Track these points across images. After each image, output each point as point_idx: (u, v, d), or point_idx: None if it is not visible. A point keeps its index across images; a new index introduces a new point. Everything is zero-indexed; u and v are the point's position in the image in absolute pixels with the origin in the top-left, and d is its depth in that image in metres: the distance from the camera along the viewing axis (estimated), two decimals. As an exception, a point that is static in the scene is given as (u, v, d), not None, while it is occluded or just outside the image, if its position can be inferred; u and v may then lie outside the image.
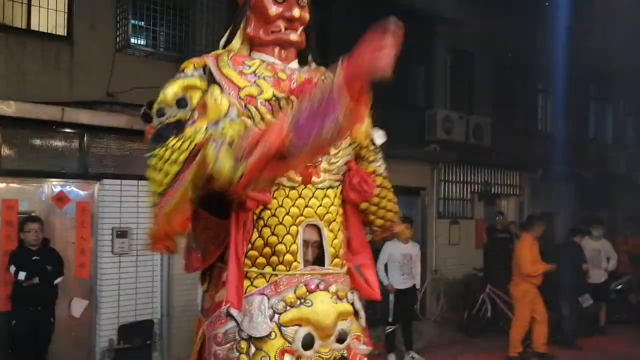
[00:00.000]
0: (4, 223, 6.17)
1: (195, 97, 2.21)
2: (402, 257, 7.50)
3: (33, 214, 6.26)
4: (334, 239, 2.34)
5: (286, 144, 1.85)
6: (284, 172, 2.14)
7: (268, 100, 2.23)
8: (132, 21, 7.55)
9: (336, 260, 2.35)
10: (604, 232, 9.94)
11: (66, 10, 7.25)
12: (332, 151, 2.32)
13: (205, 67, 2.30)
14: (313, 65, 2.53)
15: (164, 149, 2.13)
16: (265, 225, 2.24)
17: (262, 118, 2.19)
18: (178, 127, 2.17)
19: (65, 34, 7.23)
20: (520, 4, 10.95)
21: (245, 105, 2.21)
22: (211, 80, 2.26)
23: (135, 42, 7.65)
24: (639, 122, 16.15)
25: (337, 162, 2.37)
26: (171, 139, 2.14)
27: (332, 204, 2.35)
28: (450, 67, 11.41)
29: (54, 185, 6.69)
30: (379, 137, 2.66)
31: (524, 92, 13.01)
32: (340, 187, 2.42)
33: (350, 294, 2.37)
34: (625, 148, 15.09)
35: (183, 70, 2.33)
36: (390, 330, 7.55)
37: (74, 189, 6.81)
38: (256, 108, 2.21)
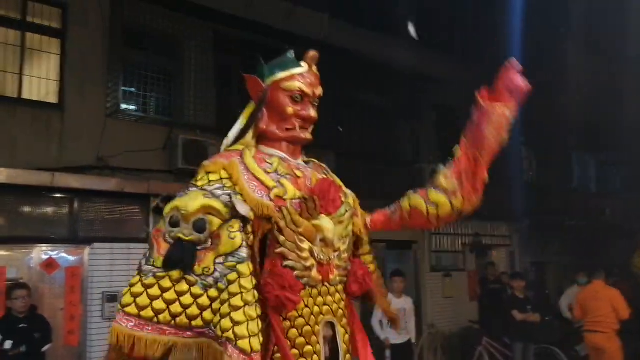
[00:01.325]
0: (-9, 291, 6.08)
1: (214, 225, 2.10)
2: (396, 311, 7.39)
3: (21, 281, 6.18)
4: (345, 334, 2.36)
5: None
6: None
7: (294, 200, 2.27)
8: (123, 87, 7.73)
9: (347, 356, 2.37)
10: (589, 280, 9.93)
11: (58, 79, 7.41)
12: (342, 247, 2.36)
13: (231, 178, 2.25)
14: (310, 159, 2.60)
15: (168, 279, 2.04)
16: (292, 327, 2.21)
17: (292, 219, 2.23)
18: (190, 250, 2.07)
19: (57, 101, 7.36)
20: (499, 60, 11.31)
21: (278, 207, 2.22)
22: (235, 213, 2.13)
23: (126, 107, 7.80)
24: (620, 170, 16.43)
25: (344, 257, 2.39)
26: (177, 273, 2.04)
27: (342, 300, 2.38)
28: (435, 123, 11.66)
29: (43, 252, 6.65)
30: (368, 217, 2.70)
31: (508, 145, 13.21)
32: (344, 283, 2.43)
33: None
34: (608, 195, 15.30)
35: (208, 175, 2.26)
36: (387, 390, 7.37)
37: (64, 254, 6.78)
38: (287, 209, 2.23)
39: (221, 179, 2.24)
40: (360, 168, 10.10)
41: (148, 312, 2.01)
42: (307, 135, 2.48)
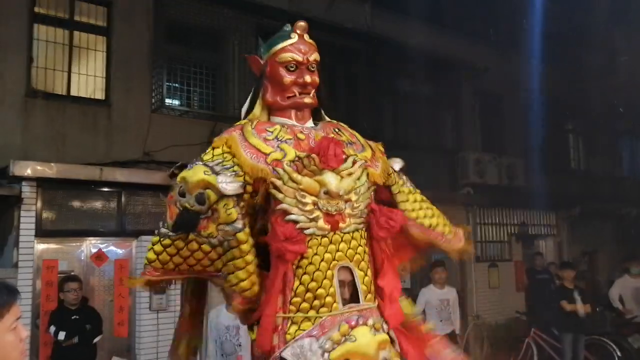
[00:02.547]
0: (44, 283, 6.28)
1: (212, 198, 2.40)
2: (439, 302, 7.30)
3: (72, 274, 6.35)
4: (365, 276, 2.53)
5: None
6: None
7: (292, 161, 2.48)
8: (167, 83, 7.85)
9: (369, 296, 2.53)
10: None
11: (104, 76, 7.58)
12: (354, 197, 2.53)
13: (230, 151, 2.52)
14: (326, 119, 2.81)
15: (181, 240, 2.43)
16: (304, 273, 2.43)
17: (290, 177, 2.45)
18: (195, 218, 2.42)
19: (104, 98, 7.54)
20: (540, 46, 11.05)
21: (274, 169, 2.45)
22: (235, 159, 2.48)
23: (170, 102, 7.92)
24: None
25: (359, 206, 2.55)
26: (181, 236, 2.42)
27: (359, 245, 2.55)
28: (478, 111, 11.46)
29: (93, 245, 6.82)
30: (397, 163, 2.92)
31: (555, 132, 12.93)
32: (364, 229, 2.59)
33: (384, 325, 2.55)
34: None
35: (213, 150, 2.55)
36: (433, 381, 7.30)
37: (112, 247, 6.93)
38: (283, 170, 2.45)
39: (222, 153, 2.52)
40: (403, 157, 9.99)
41: (169, 265, 2.45)
42: (307, 99, 2.67)
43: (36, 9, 7.17)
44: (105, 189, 6.83)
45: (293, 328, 2.41)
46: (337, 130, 2.72)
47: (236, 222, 2.37)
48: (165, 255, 2.44)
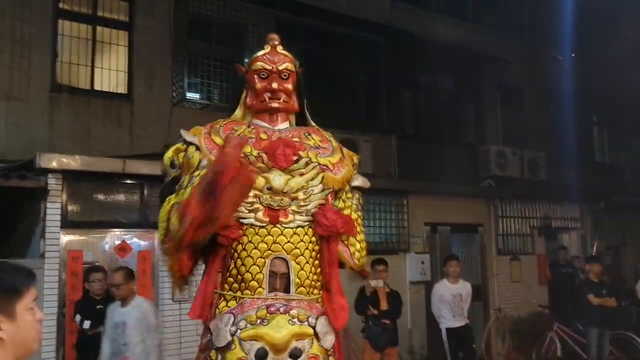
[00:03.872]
0: (69, 273, 6.39)
1: (180, 157, 2.83)
2: (452, 297, 7.27)
3: (97, 264, 6.46)
4: (300, 270, 2.73)
5: (202, 214, 2.50)
6: (213, 229, 2.60)
7: (245, 157, 2.75)
8: (188, 76, 7.94)
9: (301, 288, 2.73)
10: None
11: (126, 70, 7.69)
12: (302, 196, 2.76)
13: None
14: (311, 124, 3.12)
15: (164, 204, 2.79)
16: (238, 257, 2.70)
17: None
18: (175, 183, 2.82)
19: (126, 92, 7.64)
20: (561, 38, 10.91)
21: None
22: (186, 141, 2.88)
23: (191, 95, 8.01)
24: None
25: (306, 205, 2.78)
26: (169, 197, 2.78)
27: (301, 241, 2.75)
28: (500, 103, 11.37)
29: (117, 236, 6.92)
30: (357, 180, 3.11)
31: (579, 124, 12.75)
32: (310, 227, 2.80)
33: (312, 319, 2.70)
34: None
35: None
36: (450, 375, 7.28)
37: (135, 239, 7.02)
38: None
39: (193, 136, 2.89)
40: (424, 151, 9.98)
41: (160, 230, 2.77)
42: (275, 104, 2.96)
43: (60, 5, 7.31)
44: (129, 181, 6.92)
45: (222, 304, 2.70)
46: (307, 134, 2.98)
47: (201, 162, 2.74)
48: (160, 217, 2.78)
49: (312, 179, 2.80)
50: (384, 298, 6.59)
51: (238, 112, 3.07)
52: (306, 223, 2.77)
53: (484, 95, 11.20)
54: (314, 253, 2.79)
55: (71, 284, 6.37)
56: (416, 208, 9.25)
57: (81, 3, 7.47)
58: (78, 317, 5.84)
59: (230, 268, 2.70)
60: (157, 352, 5.28)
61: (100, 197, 6.81)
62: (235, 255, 2.70)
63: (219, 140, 2.81)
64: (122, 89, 7.69)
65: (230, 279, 2.70)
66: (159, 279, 6.95)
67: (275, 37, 3.04)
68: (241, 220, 2.67)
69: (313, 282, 2.77)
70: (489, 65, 11.02)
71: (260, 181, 2.71)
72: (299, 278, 2.71)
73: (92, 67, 7.48)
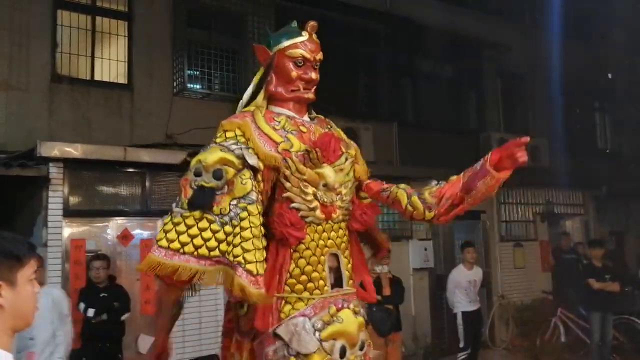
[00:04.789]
0: (72, 262, 6.41)
1: (230, 173, 2.50)
2: (467, 283, 7.45)
3: (99, 252, 6.47)
4: (348, 263, 2.78)
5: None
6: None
7: (299, 152, 2.66)
8: (189, 66, 7.92)
9: (350, 282, 2.78)
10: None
11: (126, 60, 7.68)
12: (344, 190, 2.74)
13: (243, 134, 2.63)
14: (313, 114, 2.97)
15: (192, 218, 2.43)
16: (301, 257, 2.63)
17: (297, 168, 2.63)
18: (210, 195, 2.47)
19: (126, 82, 7.64)
20: (563, 25, 10.86)
21: (284, 158, 2.62)
22: (246, 164, 2.54)
23: (192, 85, 7.99)
24: None
25: (346, 199, 2.78)
26: (201, 212, 2.44)
27: (345, 235, 2.78)
28: (501, 90, 11.33)
29: (119, 224, 6.93)
30: None
31: (581, 111, 12.72)
32: (346, 220, 2.80)
33: (361, 309, 2.79)
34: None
35: (225, 133, 2.65)
36: (463, 357, 7.34)
37: (138, 227, 7.03)
38: (292, 160, 2.63)
39: (236, 136, 2.64)
40: (425, 138, 9.96)
41: (175, 245, 2.41)
42: (309, 95, 2.83)
43: (59, -5, 7.29)
44: (130, 170, 6.92)
45: (287, 307, 2.60)
46: (329, 127, 2.92)
47: (251, 193, 2.48)
48: (174, 234, 2.43)
49: (348, 173, 2.79)
50: (387, 284, 6.64)
51: (260, 99, 2.84)
52: (346, 217, 2.78)
53: (485, 82, 11.17)
54: (349, 245, 2.83)
55: (74, 273, 6.39)
56: (418, 195, 9.23)
57: (80, -7, 7.46)
58: (82, 306, 5.87)
59: (291, 269, 2.62)
60: (67, 345, 5.16)
61: (102, 185, 6.82)
62: (297, 255, 2.63)
63: (271, 133, 2.66)
64: (122, 79, 7.68)
65: (292, 280, 2.62)
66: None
67: (314, 26, 2.86)
68: (305, 219, 2.62)
69: (352, 274, 2.84)
70: (490, 52, 10.98)
71: (315, 178, 2.65)
72: (348, 271, 2.77)
73: (92, 57, 7.47)
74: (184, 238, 2.41)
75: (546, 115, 11.74)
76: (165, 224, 2.47)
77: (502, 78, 11.39)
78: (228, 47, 8.30)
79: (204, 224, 2.43)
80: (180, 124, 7.60)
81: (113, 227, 6.94)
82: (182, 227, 2.42)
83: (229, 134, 2.64)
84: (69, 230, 6.54)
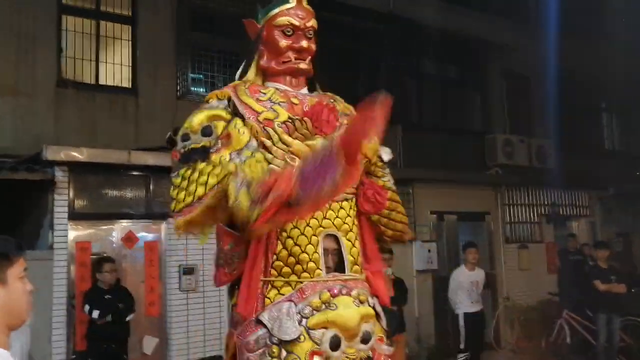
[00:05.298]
0: (78, 264, 6.47)
1: (219, 127, 2.40)
2: (469, 284, 7.41)
3: (105, 255, 6.54)
4: (352, 247, 2.49)
5: (293, 194, 2.10)
6: (292, 218, 2.30)
7: (284, 122, 2.45)
8: (192, 70, 7.98)
9: (355, 267, 2.49)
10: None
11: (130, 64, 7.76)
12: None
13: (229, 99, 2.51)
14: (319, 91, 2.76)
15: (190, 170, 2.36)
16: (288, 237, 2.40)
17: (280, 138, 2.42)
18: (203, 152, 2.37)
19: (131, 86, 7.71)
20: (566, 24, 10.82)
21: (264, 128, 2.43)
22: (235, 111, 2.46)
23: (195, 89, 8.05)
24: None
25: None
26: (198, 162, 2.36)
27: (348, 215, 2.51)
28: (506, 91, 11.32)
29: (124, 227, 6.99)
30: (387, 153, 2.80)
31: (587, 111, 12.67)
32: (354, 200, 2.57)
33: (370, 299, 2.50)
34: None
35: (208, 101, 2.55)
36: (463, 359, 7.34)
37: (142, 230, 7.09)
38: (274, 129, 2.43)
39: (217, 98, 2.53)
40: (429, 140, 9.96)
41: (187, 199, 2.33)
42: (303, 65, 2.62)
43: (64, 1, 7.38)
44: (135, 173, 6.99)
45: (273, 292, 2.37)
46: (332, 100, 2.68)
47: (250, 142, 2.39)
48: (180, 193, 2.35)
49: None
50: (390, 285, 6.66)
51: (250, 75, 2.66)
52: (350, 196, 2.53)
53: (490, 83, 11.16)
54: (357, 228, 2.55)
55: (80, 275, 6.46)
56: (422, 197, 9.25)
57: (85, -2, 7.55)
58: (87, 307, 5.93)
59: (278, 250, 2.39)
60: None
61: (107, 188, 6.89)
62: (284, 234, 2.38)
63: (252, 103, 2.48)
64: (126, 83, 7.75)
65: (279, 263, 2.38)
66: (166, 269, 7.03)
67: None
68: None
69: (361, 260, 2.55)
70: (495, 53, 10.96)
71: (305, 149, 2.40)
72: (352, 256, 2.48)
73: (97, 61, 7.55)
74: (190, 187, 2.34)
75: (552, 116, 11.70)
76: (171, 194, 2.41)
77: (507, 79, 11.37)
78: (232, 51, 8.34)
79: (202, 166, 2.35)
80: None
81: (118, 229, 7.01)
82: (183, 183, 2.36)
83: (211, 101, 2.54)
84: (74, 233, 6.61)
